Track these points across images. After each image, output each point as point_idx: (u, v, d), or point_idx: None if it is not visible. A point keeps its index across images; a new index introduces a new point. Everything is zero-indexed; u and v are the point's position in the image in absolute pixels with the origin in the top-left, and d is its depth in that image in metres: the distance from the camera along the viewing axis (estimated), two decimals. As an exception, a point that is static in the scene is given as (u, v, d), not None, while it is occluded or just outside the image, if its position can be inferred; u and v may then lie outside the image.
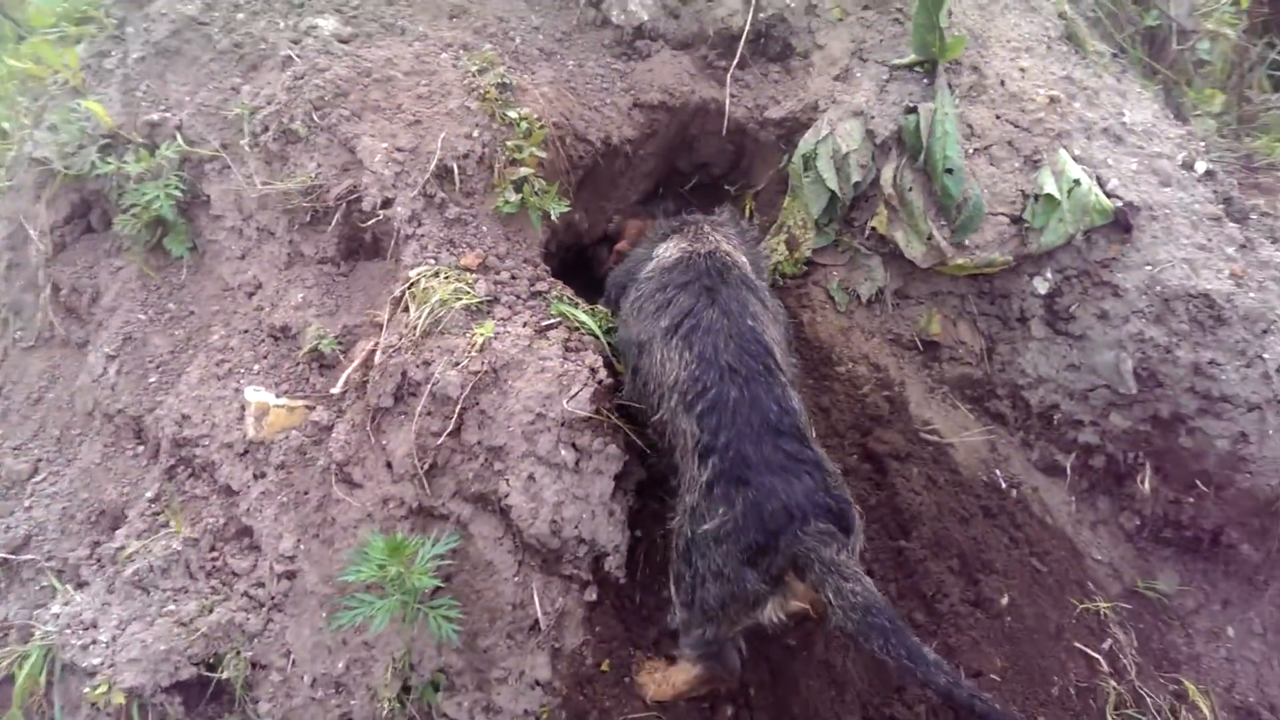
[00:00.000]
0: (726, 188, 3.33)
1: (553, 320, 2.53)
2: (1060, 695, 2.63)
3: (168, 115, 2.91)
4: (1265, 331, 2.74)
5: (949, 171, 2.71)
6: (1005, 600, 2.62)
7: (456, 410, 2.37)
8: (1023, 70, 2.89)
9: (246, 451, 2.60)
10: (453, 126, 2.65)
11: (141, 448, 2.76)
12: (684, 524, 2.10)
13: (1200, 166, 3.03)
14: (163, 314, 2.86)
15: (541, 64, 2.95)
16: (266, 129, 2.75)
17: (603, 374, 2.40)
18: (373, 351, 2.51)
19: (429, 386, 2.41)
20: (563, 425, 2.35)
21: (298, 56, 2.80)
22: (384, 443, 2.48)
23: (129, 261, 2.92)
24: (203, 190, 2.90)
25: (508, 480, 2.37)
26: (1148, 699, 2.76)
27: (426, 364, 2.43)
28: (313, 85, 2.68)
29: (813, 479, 1.98)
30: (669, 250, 2.43)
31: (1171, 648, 2.99)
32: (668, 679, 2.37)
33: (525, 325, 2.50)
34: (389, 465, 2.47)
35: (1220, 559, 3.09)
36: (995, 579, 2.64)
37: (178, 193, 2.78)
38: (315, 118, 2.66)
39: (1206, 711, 2.82)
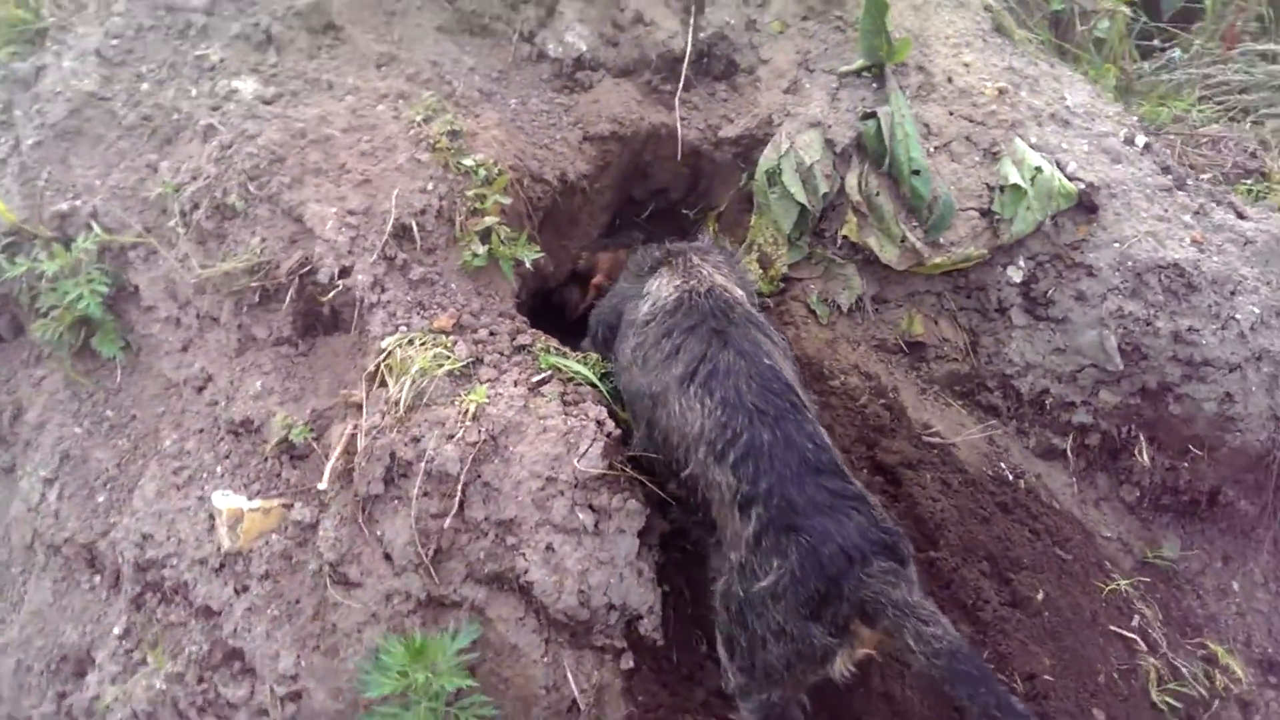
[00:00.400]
0: (685, 212, 3.24)
1: (544, 374, 2.38)
2: (1107, 682, 2.60)
3: (78, 203, 2.63)
4: (1233, 292, 2.80)
5: (916, 173, 2.68)
6: (1040, 596, 2.57)
7: (459, 487, 2.18)
8: (966, 65, 2.90)
9: (223, 565, 2.35)
10: (405, 182, 2.47)
11: (99, 578, 2.46)
12: (733, 584, 1.93)
13: (1140, 140, 3.10)
14: (101, 424, 2.57)
15: (484, 105, 2.80)
16: (196, 206, 2.51)
17: (609, 425, 2.25)
18: (353, 435, 2.30)
19: (423, 465, 2.22)
20: (576, 487, 2.19)
21: (220, 124, 2.58)
22: (379, 533, 2.27)
23: (52, 369, 2.63)
24: (129, 281, 2.63)
25: (524, 555, 2.19)
26: (1183, 669, 2.77)
27: (416, 441, 2.24)
28: (244, 154, 2.46)
29: (862, 515, 1.86)
30: (662, 290, 2.29)
31: (1189, 613, 3.02)
32: None
33: (516, 384, 2.33)
34: (388, 557, 2.26)
35: (1216, 517, 3.14)
36: (1026, 575, 2.60)
37: (103, 288, 2.51)
38: (252, 188, 2.44)
39: (1238, 670, 2.85)
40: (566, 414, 2.27)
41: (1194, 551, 3.12)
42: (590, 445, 2.21)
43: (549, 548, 2.18)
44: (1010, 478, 2.88)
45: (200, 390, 2.54)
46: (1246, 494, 3.03)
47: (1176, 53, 6.18)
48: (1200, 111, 5.97)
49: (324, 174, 2.48)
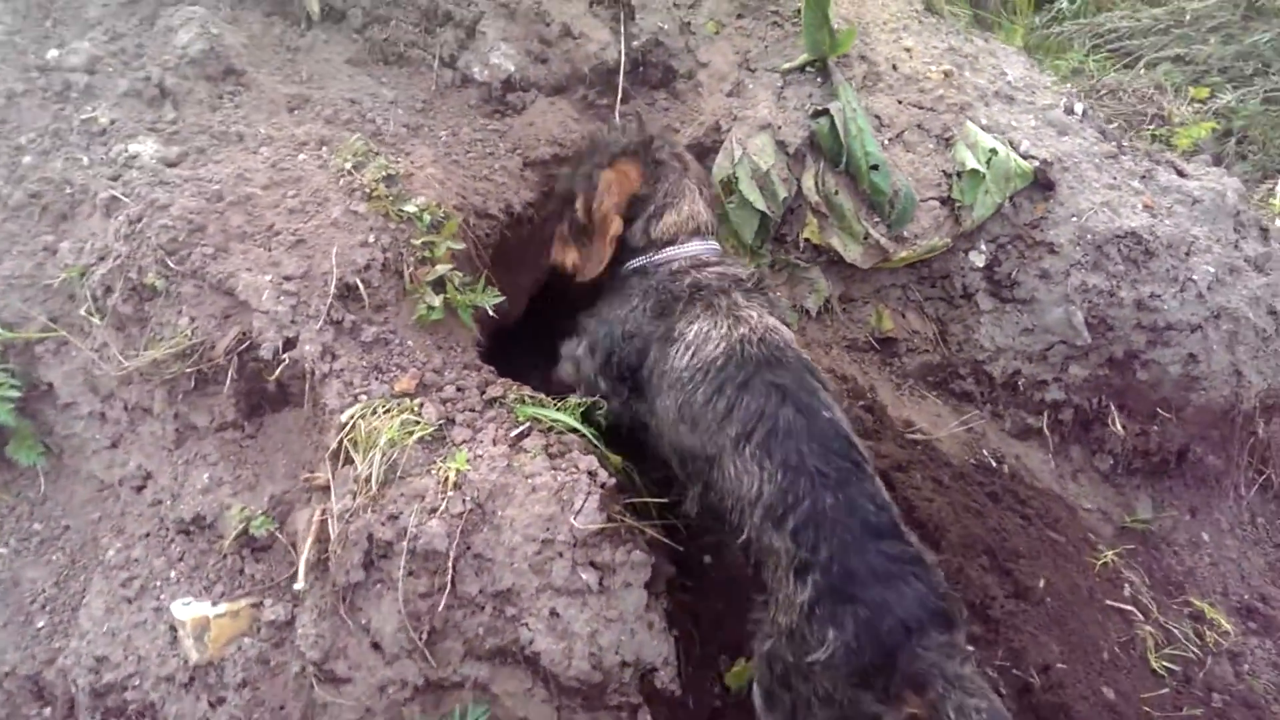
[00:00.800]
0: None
1: (522, 427, 2.22)
2: (1110, 658, 2.61)
3: (-32, 305, 2.34)
4: (1188, 254, 2.82)
5: (874, 168, 2.61)
6: (1040, 583, 2.56)
7: (450, 564, 2.02)
8: (908, 50, 2.83)
9: (193, 679, 2.13)
10: (343, 237, 2.27)
11: (49, 710, 2.21)
12: (780, 648, 1.84)
13: (1078, 108, 3.10)
14: (28, 540, 2.31)
15: (413, 141, 2.60)
16: (109, 289, 2.26)
17: (603, 475, 2.11)
18: (323, 520, 2.11)
19: (405, 544, 2.04)
20: (575, 545, 2.05)
21: (124, 195, 2.32)
22: (364, 622, 2.08)
23: (-37, 488, 2.35)
24: (40, 379, 2.36)
25: (527, 624, 2.04)
26: (1175, 630, 2.81)
27: (394, 519, 2.06)
28: (158, 226, 2.21)
29: (920, 581, 1.77)
30: (706, 339, 2.07)
31: (1170, 571, 3.07)
32: None
33: (495, 442, 2.17)
34: (376, 646, 2.08)
35: (1183, 473, 3.20)
36: (1025, 563, 2.58)
37: (14, 392, 2.25)
38: (171, 264, 2.20)
39: (1225, 623, 2.91)
40: (555, 469, 2.12)
41: (1166, 511, 3.17)
42: (585, 500, 2.07)
43: (553, 613, 2.04)
44: (993, 464, 2.86)
45: (140, 490, 2.30)
46: (1213, 449, 3.09)
47: (1064, 3, 6.31)
48: (1095, 62, 6.12)
49: (251, 239, 2.26)
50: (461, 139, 2.69)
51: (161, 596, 2.18)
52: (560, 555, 2.05)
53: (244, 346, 2.20)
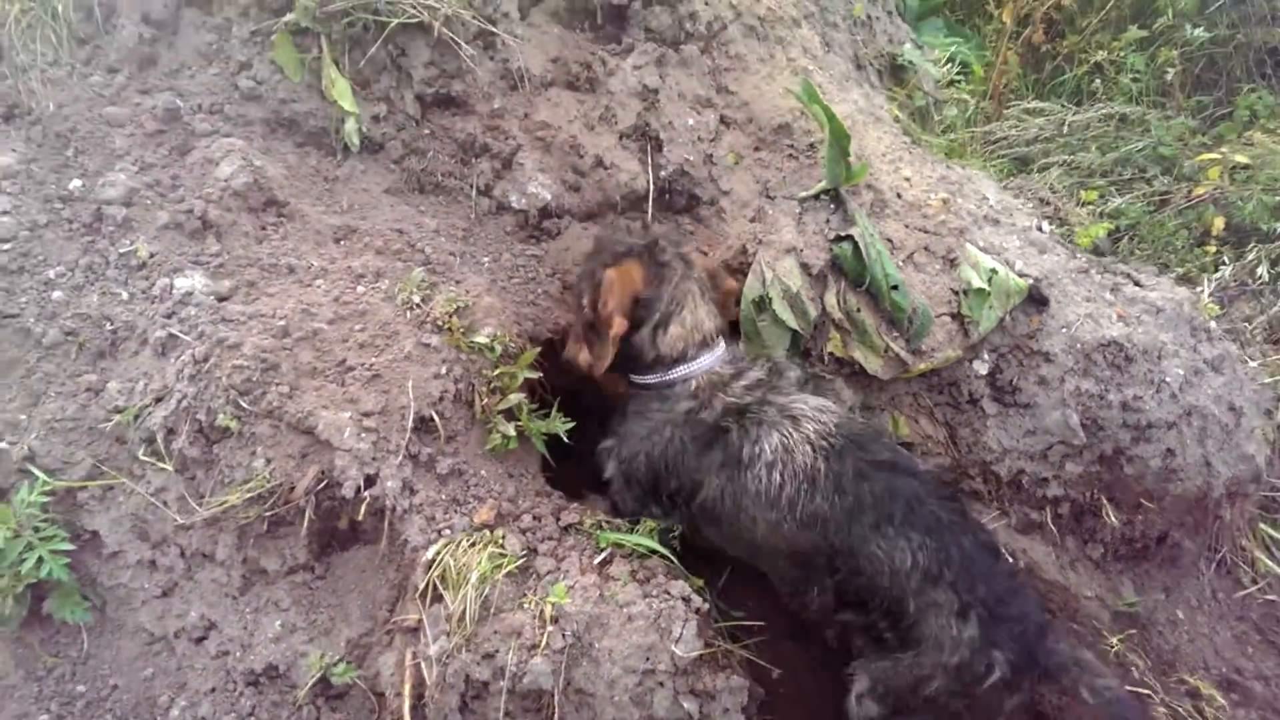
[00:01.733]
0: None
1: (605, 554, 2.25)
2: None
3: (4, 446, 2.21)
4: (1160, 358, 3.13)
5: (894, 288, 2.81)
6: (1074, 672, 2.72)
7: (555, 700, 2.01)
8: (907, 180, 3.09)
9: (273, 844, 2.01)
10: (417, 371, 2.28)
11: None
12: (945, 682, 2.13)
13: (1046, 227, 3.43)
14: (73, 703, 2.14)
15: (463, 270, 2.65)
16: (172, 432, 2.18)
17: (697, 601, 2.16)
18: (415, 665, 2.06)
19: (504, 683, 2.02)
20: (676, 674, 2.08)
21: (183, 334, 2.27)
22: (460, 767, 2.03)
23: (-8, 650, 2.17)
24: (84, 526, 2.24)
25: (631, 757, 2.04)
26: (1180, 709, 3.01)
27: (490, 657, 2.04)
28: (229, 366, 2.17)
29: (1028, 587, 2.25)
30: (789, 454, 2.21)
31: (1161, 651, 3.29)
32: None
33: (583, 571, 2.19)
34: (474, 792, 2.04)
35: (1158, 557, 3.47)
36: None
37: (65, 545, 2.12)
38: (245, 404, 2.16)
39: (1219, 697, 3.13)
40: (647, 595, 2.15)
41: (1146, 594, 3.42)
42: (684, 627, 2.10)
43: (656, 745, 2.05)
44: (1011, 558, 3.04)
45: (200, 641, 2.19)
46: (1188, 534, 3.37)
47: (954, 111, 6.91)
48: (993, 167, 6.71)
49: (323, 375, 2.24)
50: (503, 264, 2.75)
51: (234, 756, 2.07)
52: (661, 685, 2.07)
53: (322, 485, 2.16)
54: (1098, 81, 7.14)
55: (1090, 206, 6.30)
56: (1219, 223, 5.87)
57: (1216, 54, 6.99)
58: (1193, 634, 3.47)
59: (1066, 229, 5.92)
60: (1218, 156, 6.02)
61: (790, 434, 2.22)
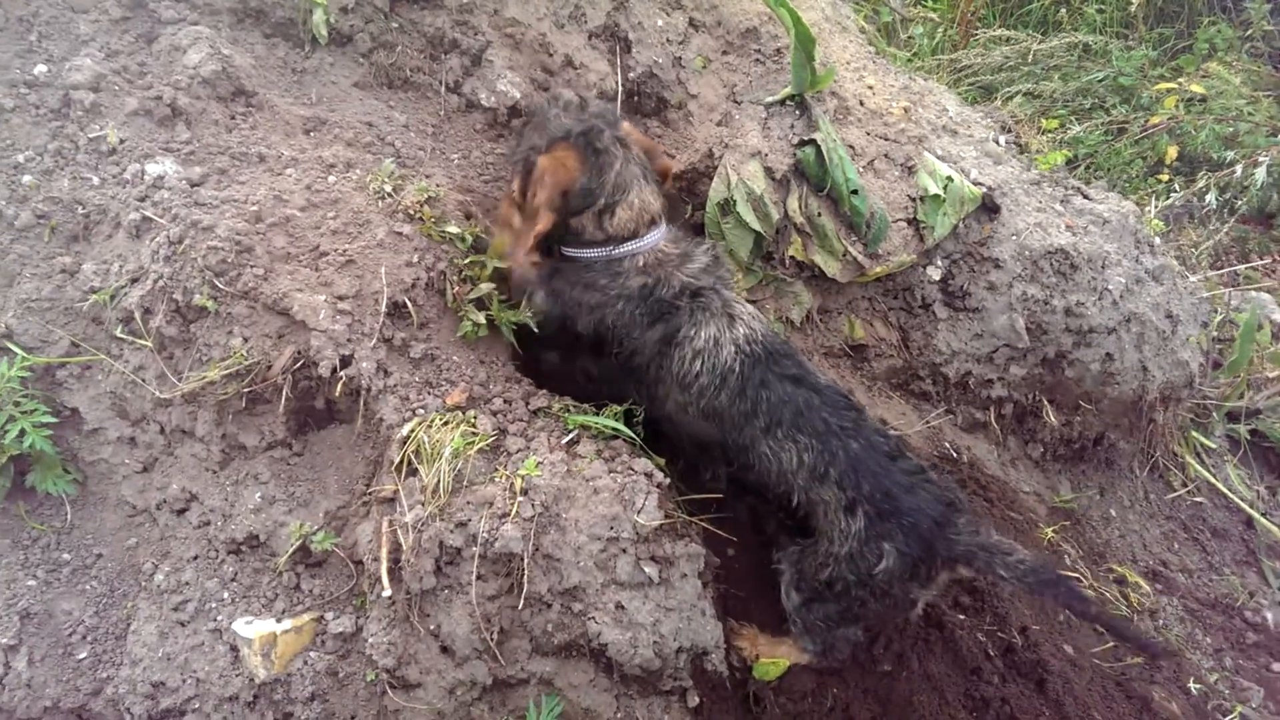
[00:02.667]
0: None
1: (572, 435, 2.36)
2: (1065, 620, 3.01)
3: (-18, 323, 2.25)
4: (1104, 266, 3.28)
5: (854, 192, 2.91)
6: (1010, 556, 2.92)
7: (526, 564, 2.13)
8: (870, 88, 3.16)
9: (257, 697, 2.14)
10: (390, 258, 2.35)
11: (94, 743, 2.15)
12: (840, 570, 2.26)
13: (1002, 140, 3.54)
14: (59, 569, 2.23)
15: (431, 165, 2.69)
16: (149, 311, 2.24)
17: (659, 476, 2.29)
18: (393, 531, 2.17)
19: (477, 549, 2.14)
20: (638, 542, 2.22)
21: (158, 216, 2.30)
22: (433, 628, 2.16)
23: (-23, 520, 2.24)
24: (63, 404, 2.30)
25: (594, 619, 2.19)
26: (1106, 593, 3.25)
27: (463, 525, 2.16)
28: (206, 247, 2.21)
29: (931, 483, 2.27)
30: (715, 349, 2.31)
31: (1092, 543, 3.52)
32: (773, 649, 2.54)
33: (551, 450, 2.30)
34: (446, 650, 2.17)
35: (1097, 458, 3.68)
36: (995, 540, 2.93)
37: (47, 417, 2.18)
38: (221, 284, 2.21)
39: (1144, 584, 3.38)
40: (612, 471, 2.28)
41: (1082, 491, 3.64)
42: (646, 499, 2.23)
43: (619, 606, 2.19)
44: (954, 454, 3.22)
45: (182, 513, 2.28)
46: (1123, 435, 3.58)
47: (925, 40, 6.94)
48: (958, 93, 6.78)
49: (295, 259, 2.30)
50: (472, 161, 2.80)
51: (218, 617, 2.18)
52: (624, 551, 2.20)
53: (298, 365, 2.24)
54: (1063, 11, 7.20)
55: (1050, 135, 6.43)
56: (1172, 152, 6.03)
57: (1179, -13, 7.08)
58: (1124, 530, 3.71)
59: (1026, 156, 6.05)
60: (1174, 86, 6.14)
61: (723, 331, 2.33)
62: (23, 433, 2.13)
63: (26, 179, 2.44)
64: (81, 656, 2.16)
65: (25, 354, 2.22)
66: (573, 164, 2.37)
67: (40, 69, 2.58)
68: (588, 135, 2.40)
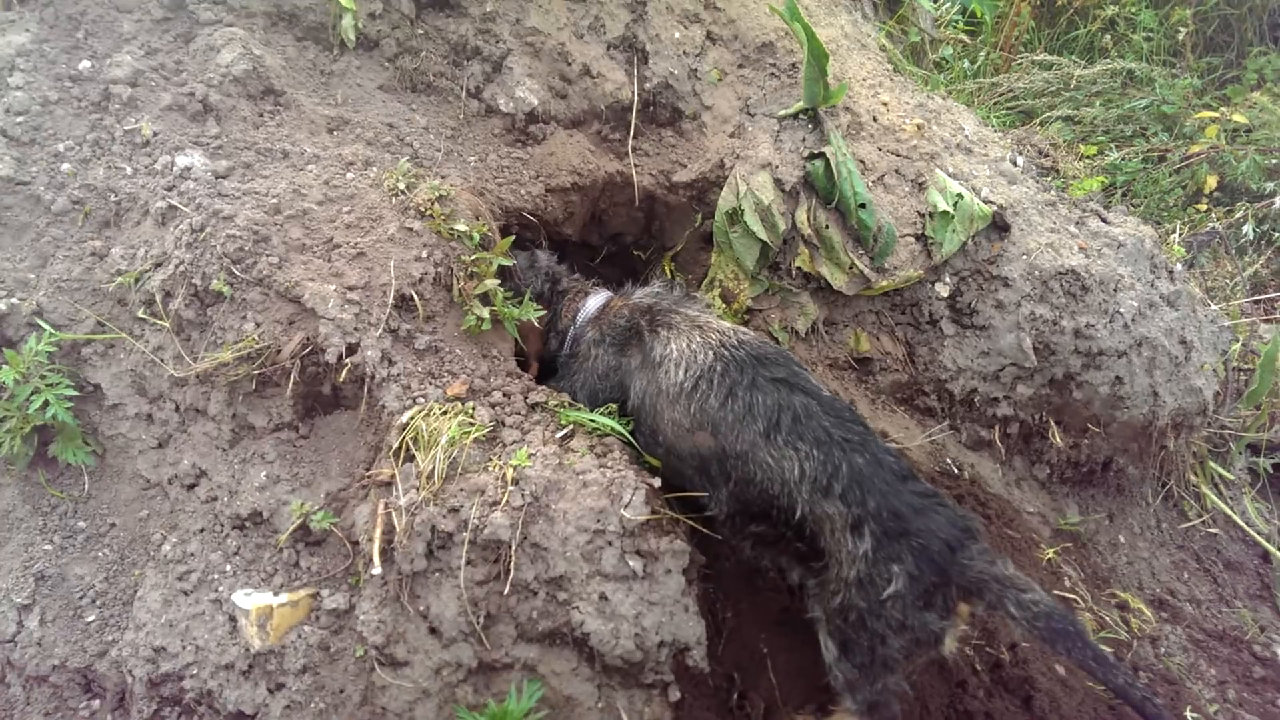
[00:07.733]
0: (637, 254, 3.35)
1: (566, 429, 2.43)
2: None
3: (15, 301, 2.39)
4: (1116, 290, 3.27)
5: (862, 206, 2.95)
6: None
7: (513, 551, 2.20)
8: (885, 104, 3.20)
9: (252, 666, 2.23)
10: (399, 252, 2.44)
11: (97, 702, 2.26)
12: (851, 598, 2.15)
13: (1020, 161, 3.55)
14: (74, 536, 2.35)
15: (448, 166, 2.79)
16: (169, 295, 2.36)
17: (647, 474, 2.34)
18: (387, 514, 2.26)
19: (466, 535, 2.21)
20: (624, 535, 2.27)
21: (184, 205, 2.42)
22: (422, 609, 2.24)
23: (3, 485, 2.37)
24: (87, 379, 2.42)
25: (578, 608, 2.24)
26: (1106, 619, 3.22)
27: (455, 511, 2.23)
28: (225, 236, 2.33)
29: (945, 507, 2.17)
30: (685, 353, 2.38)
31: (1097, 568, 3.49)
32: None
33: (545, 443, 2.37)
34: (433, 631, 2.24)
35: (1105, 483, 3.65)
36: (992, 557, 2.93)
37: (70, 390, 2.30)
38: (237, 271, 2.32)
39: (1147, 612, 3.34)
40: (602, 466, 2.34)
41: (1090, 515, 3.62)
42: (633, 494, 2.29)
43: (602, 597, 2.25)
44: (955, 470, 3.22)
45: (191, 488, 2.39)
46: (1132, 460, 3.55)
47: (965, 63, 6.94)
48: (996, 118, 6.77)
49: (310, 250, 2.40)
50: (489, 164, 2.89)
51: (220, 589, 2.27)
52: (610, 544, 2.26)
53: (306, 351, 2.34)
54: (1109, 38, 7.15)
55: (1088, 161, 6.38)
56: (1212, 181, 5.95)
57: (1230, 15, 6.99)
58: (1132, 557, 3.67)
59: (1062, 182, 6.01)
60: (1216, 115, 6.07)
61: (695, 339, 2.40)
62: (46, 404, 2.25)
63: (65, 167, 2.59)
64: (90, 619, 2.27)
65: (53, 330, 2.34)
66: (538, 335, 2.81)
67: (85, 64, 2.74)
68: (554, 284, 2.88)
